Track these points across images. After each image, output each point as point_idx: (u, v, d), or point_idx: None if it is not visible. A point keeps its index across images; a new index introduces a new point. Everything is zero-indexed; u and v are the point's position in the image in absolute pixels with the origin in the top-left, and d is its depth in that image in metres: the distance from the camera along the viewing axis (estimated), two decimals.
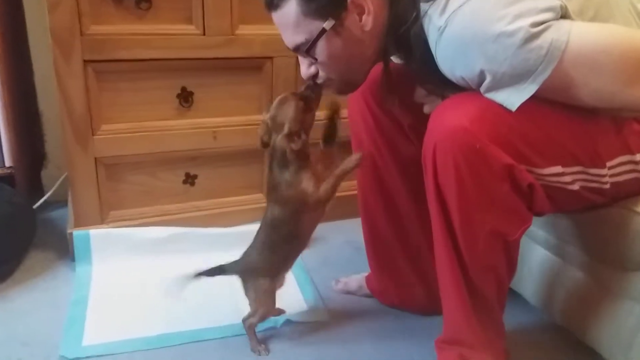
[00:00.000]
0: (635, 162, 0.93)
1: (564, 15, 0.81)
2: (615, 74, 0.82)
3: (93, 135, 1.37)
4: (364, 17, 0.93)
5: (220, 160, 1.55)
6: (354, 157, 1.08)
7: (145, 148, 1.44)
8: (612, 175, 0.92)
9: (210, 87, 1.46)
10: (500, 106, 0.85)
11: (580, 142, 0.89)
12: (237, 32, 1.43)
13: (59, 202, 1.68)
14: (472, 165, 0.84)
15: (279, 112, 1.04)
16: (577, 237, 1.08)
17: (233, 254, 1.47)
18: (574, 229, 1.08)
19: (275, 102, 1.06)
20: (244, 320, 1.16)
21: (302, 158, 1.05)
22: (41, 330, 1.19)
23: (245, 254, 1.16)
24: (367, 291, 1.35)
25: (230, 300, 1.28)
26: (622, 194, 0.96)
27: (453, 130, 0.84)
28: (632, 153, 0.92)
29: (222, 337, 1.20)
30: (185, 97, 1.44)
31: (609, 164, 0.91)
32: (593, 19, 0.85)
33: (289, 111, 1.03)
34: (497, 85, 0.83)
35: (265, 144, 1.08)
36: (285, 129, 1.02)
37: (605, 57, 0.81)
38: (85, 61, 1.30)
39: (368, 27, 0.93)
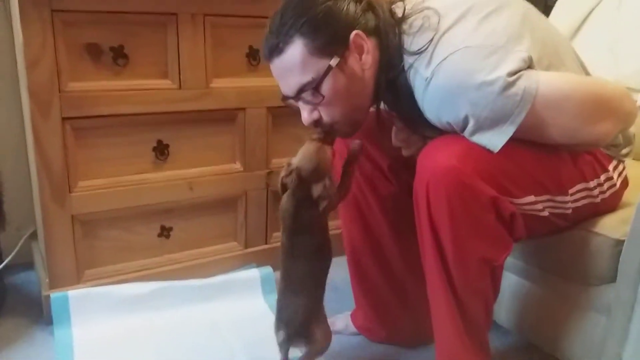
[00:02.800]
0: (589, 189, 1.06)
1: (530, 65, 0.95)
2: (576, 115, 0.96)
3: (70, 192, 1.35)
4: (363, 56, 1.00)
5: (195, 211, 1.56)
6: (355, 143, 1.10)
7: (121, 203, 1.43)
8: (573, 202, 1.05)
9: (185, 139, 1.49)
10: (482, 146, 0.95)
11: (547, 174, 1.01)
12: (212, 85, 1.47)
13: (18, 265, 1.60)
14: (463, 199, 0.93)
15: (317, 161, 1.03)
16: (542, 259, 1.19)
17: (215, 305, 1.49)
18: (539, 252, 1.18)
19: (307, 151, 1.05)
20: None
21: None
22: None
23: (288, 308, 1.10)
24: (354, 329, 1.39)
25: (219, 348, 1.28)
26: (580, 217, 1.09)
27: (444, 169, 0.93)
28: (587, 181, 1.06)
29: None
30: (161, 150, 1.46)
31: (570, 191, 1.04)
32: (548, 67, 0.99)
33: (328, 161, 1.03)
34: (479, 128, 0.94)
35: (285, 189, 1.06)
36: (327, 181, 1.02)
37: (567, 101, 0.95)
38: (63, 118, 1.29)
39: (367, 66, 1.01)
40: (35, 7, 1.20)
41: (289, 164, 1.06)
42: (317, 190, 1.02)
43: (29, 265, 1.58)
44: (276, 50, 0.99)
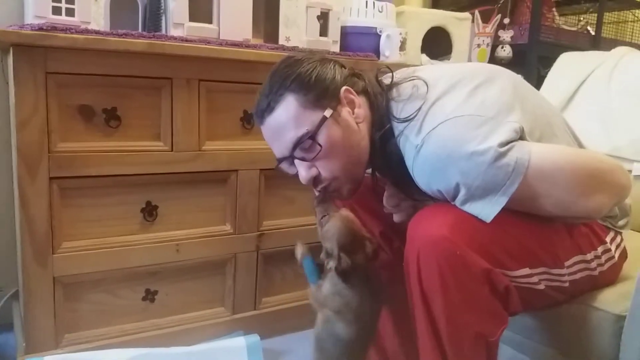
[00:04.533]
0: (587, 261, 1.03)
1: (522, 136, 0.94)
2: (569, 187, 0.94)
3: (53, 253, 1.31)
4: (355, 110, 1.01)
5: (182, 274, 1.52)
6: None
7: (106, 265, 1.39)
8: (569, 274, 1.02)
9: (175, 200, 1.47)
10: (474, 216, 0.93)
11: (542, 246, 0.99)
12: (204, 147, 1.47)
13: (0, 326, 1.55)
14: (455, 270, 0.90)
15: (350, 229, 0.99)
16: (541, 334, 1.14)
17: None
18: (536, 327, 1.14)
19: (334, 227, 1.00)
20: None
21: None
22: None
23: None
24: None
25: None
26: (578, 291, 1.05)
27: (435, 239, 0.90)
28: (584, 253, 1.03)
29: None
30: (150, 211, 1.44)
31: (566, 263, 1.01)
32: (540, 139, 0.99)
33: (356, 222, 1.01)
34: (471, 197, 0.93)
35: (348, 277, 0.99)
36: (369, 246, 1.00)
37: (560, 173, 0.93)
38: (51, 178, 1.28)
39: (361, 119, 1.01)
40: (30, 69, 1.22)
41: (327, 253, 1.00)
42: (369, 249, 0.99)
43: (10, 327, 1.52)
44: (267, 109, 0.99)
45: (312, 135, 0.98)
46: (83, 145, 1.32)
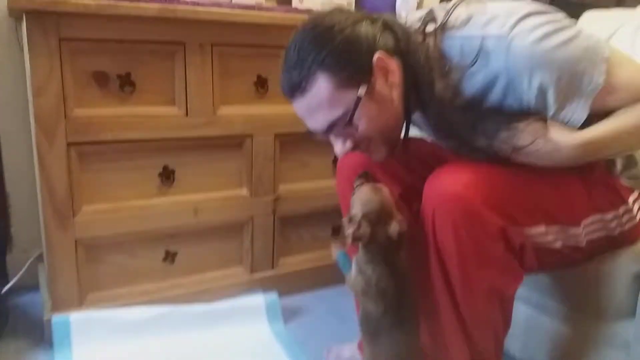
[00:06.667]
0: (606, 221, 1.02)
1: None
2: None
3: (74, 217, 1.35)
4: (389, 77, 0.95)
5: (200, 236, 1.55)
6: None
7: (125, 227, 1.43)
8: (587, 234, 1.01)
9: (191, 165, 1.49)
10: (490, 172, 0.93)
11: (559, 205, 0.98)
12: (219, 112, 1.48)
13: (25, 287, 1.61)
14: (470, 227, 0.90)
15: (379, 200, 0.94)
16: (557, 292, 1.15)
17: (218, 331, 1.47)
18: (554, 285, 1.15)
19: (364, 195, 0.96)
20: None
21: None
22: None
23: None
24: (360, 359, 1.36)
25: None
26: (596, 250, 1.04)
27: (450, 196, 0.91)
28: (603, 212, 1.02)
29: None
30: (167, 176, 1.46)
31: (583, 223, 1.00)
32: None
33: (388, 197, 0.96)
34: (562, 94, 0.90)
35: (368, 243, 0.94)
36: (396, 213, 0.95)
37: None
38: (68, 144, 1.31)
39: (395, 86, 0.96)
40: (44, 36, 1.23)
41: (350, 219, 0.95)
42: (394, 228, 0.92)
43: (35, 287, 1.58)
44: (299, 89, 0.94)
45: (348, 119, 0.94)
46: (99, 111, 1.34)
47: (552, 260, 1.02)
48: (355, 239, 0.93)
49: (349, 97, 0.93)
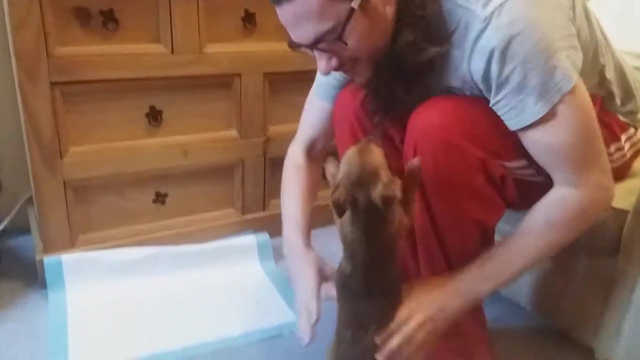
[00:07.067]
0: None
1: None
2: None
3: (61, 158, 1.33)
4: None
5: (191, 178, 1.54)
6: (415, 160, 0.92)
7: (114, 169, 1.41)
8: None
9: (179, 105, 1.46)
10: (470, 105, 0.91)
11: None
12: (205, 50, 1.44)
13: (16, 230, 1.61)
14: (449, 158, 0.90)
15: (362, 161, 0.85)
16: None
17: (210, 271, 1.48)
18: None
19: (350, 155, 0.87)
20: None
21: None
22: None
23: None
24: None
25: (216, 314, 1.27)
26: None
27: (430, 129, 0.90)
28: None
29: (212, 352, 1.19)
30: (155, 116, 1.43)
31: None
32: None
33: (376, 157, 0.86)
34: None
35: (342, 210, 0.85)
36: (384, 178, 0.84)
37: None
38: (52, 83, 1.27)
39: (390, 2, 0.89)
40: None
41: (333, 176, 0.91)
42: (376, 191, 0.83)
43: (26, 230, 1.58)
44: None
45: (339, 32, 0.86)
46: (82, 50, 1.30)
47: (535, 194, 0.99)
48: (334, 204, 0.86)
49: (341, 8, 0.84)
